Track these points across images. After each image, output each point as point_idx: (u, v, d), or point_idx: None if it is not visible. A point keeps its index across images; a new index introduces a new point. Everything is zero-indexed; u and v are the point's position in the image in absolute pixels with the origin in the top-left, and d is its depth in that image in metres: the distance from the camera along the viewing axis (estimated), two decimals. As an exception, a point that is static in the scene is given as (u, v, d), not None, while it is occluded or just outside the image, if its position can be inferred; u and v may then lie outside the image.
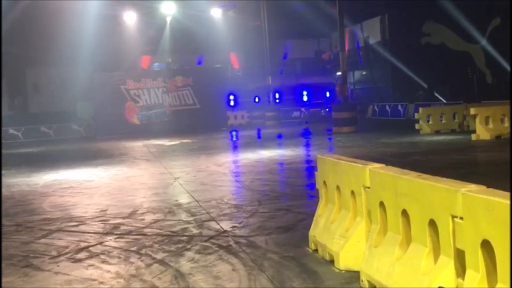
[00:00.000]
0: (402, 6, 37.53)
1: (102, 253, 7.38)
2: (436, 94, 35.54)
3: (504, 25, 28.89)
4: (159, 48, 43.85)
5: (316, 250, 6.75)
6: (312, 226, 7.06)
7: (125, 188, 13.42)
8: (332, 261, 6.19)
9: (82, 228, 9.06)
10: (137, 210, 10.28)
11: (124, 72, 39.71)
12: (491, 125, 20.09)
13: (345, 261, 5.95)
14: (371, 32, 42.76)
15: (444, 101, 33.61)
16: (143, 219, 9.43)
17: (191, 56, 44.71)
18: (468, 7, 30.87)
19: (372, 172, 5.55)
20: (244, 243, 7.46)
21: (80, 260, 7.13)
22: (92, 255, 7.32)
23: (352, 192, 6.09)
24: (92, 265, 6.89)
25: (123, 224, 9.15)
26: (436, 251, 4.38)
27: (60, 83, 40.18)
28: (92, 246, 7.81)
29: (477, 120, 20.21)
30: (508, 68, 28.53)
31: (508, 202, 3.47)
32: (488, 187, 3.99)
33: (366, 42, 43.60)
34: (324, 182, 6.96)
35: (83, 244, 7.93)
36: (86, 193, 12.94)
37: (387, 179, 5.18)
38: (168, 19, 42.86)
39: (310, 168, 14.92)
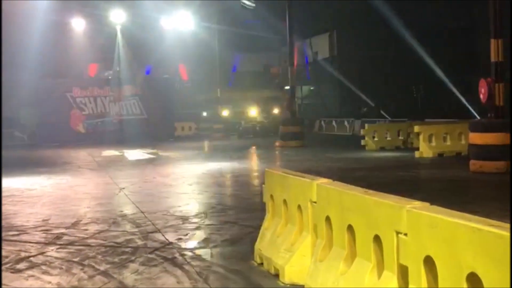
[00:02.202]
0: (350, 23, 38.20)
1: (44, 264, 7.21)
2: (382, 112, 36.22)
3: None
4: (108, 56, 43.31)
5: (261, 264, 6.75)
6: (258, 239, 7.07)
7: (69, 198, 13.18)
8: (277, 275, 6.19)
9: (23, 237, 8.84)
10: (80, 220, 10.10)
11: (71, 80, 39.13)
12: (434, 143, 20.56)
13: (290, 275, 5.97)
14: (319, 48, 43.39)
15: (389, 118, 34.27)
16: (86, 230, 9.26)
17: (139, 65, 44.33)
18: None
19: (320, 187, 5.59)
20: (190, 255, 7.41)
21: (20, 271, 6.94)
22: (33, 266, 7.14)
23: (299, 207, 6.12)
24: (32, 275, 6.72)
25: (65, 234, 8.96)
26: (380, 267, 4.44)
27: (5, 88, 39.20)
28: (33, 256, 7.62)
29: (421, 137, 20.66)
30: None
31: (451, 219, 3.55)
32: (431, 204, 4.08)
33: (314, 58, 44.16)
34: (271, 196, 6.98)
35: (23, 254, 7.73)
36: (28, 202, 12.64)
37: (334, 194, 5.24)
38: (118, 28, 42.42)
39: (258, 181, 14.95)
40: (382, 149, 24.28)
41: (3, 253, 7.80)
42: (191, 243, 8.13)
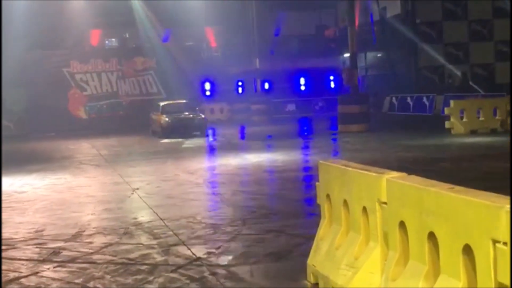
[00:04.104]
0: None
1: (37, 287, 7.33)
2: (472, 84, 35.73)
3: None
4: (113, 19, 43.62)
5: (316, 284, 6.75)
6: (312, 253, 7.06)
7: (68, 202, 13.35)
8: (337, 299, 6.20)
9: (11, 253, 8.99)
10: (83, 231, 10.23)
11: (68, 51, 39.62)
12: (542, 124, 20.24)
13: (354, 299, 5.97)
14: (388, 2, 42.91)
15: (483, 92, 33.79)
16: (91, 243, 9.38)
17: (155, 30, 44.56)
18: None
19: (391, 183, 5.55)
20: (223, 274, 7.44)
21: (8, 296, 7.09)
22: (24, 289, 7.28)
23: (364, 209, 6.09)
24: (24, 302, 6.86)
25: (64, 248, 9.09)
26: (472, 286, 4.39)
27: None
28: (24, 277, 7.76)
29: (525, 117, 20.35)
30: None
31: None
32: (511, 203, 4.02)
33: (382, 15, 43.73)
34: (328, 196, 6.96)
35: (12, 275, 7.87)
36: (17, 208, 12.85)
37: (410, 192, 5.19)
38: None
39: (309, 178, 14.93)
40: (473, 133, 23.98)
41: (-13, 274, 7.97)
42: (225, 259, 8.16)
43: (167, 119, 28.82)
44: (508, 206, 4.02)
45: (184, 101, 32.07)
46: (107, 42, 44.59)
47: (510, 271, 3.92)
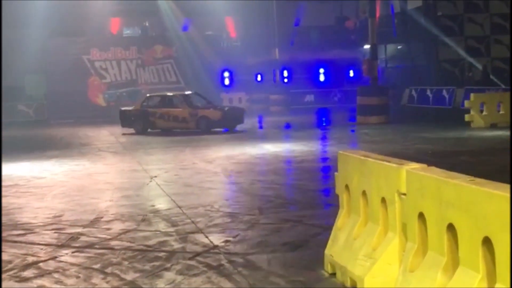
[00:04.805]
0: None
1: (56, 271, 7.37)
2: (492, 77, 35.51)
3: None
4: (133, 8, 43.69)
5: (333, 274, 6.75)
6: (329, 242, 7.06)
7: (86, 188, 13.42)
8: (354, 289, 6.20)
9: (30, 238, 9.06)
10: (101, 217, 10.29)
11: (88, 38, 39.75)
12: None
13: (371, 289, 5.97)
14: (410, -7, 42.71)
15: (503, 86, 33.58)
16: (109, 229, 9.43)
17: (175, 19, 44.61)
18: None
19: (410, 174, 5.54)
20: (240, 262, 7.46)
21: (27, 279, 7.13)
22: (42, 273, 7.31)
23: (383, 200, 6.08)
24: (42, 286, 6.89)
25: (83, 234, 9.15)
26: (491, 279, 4.38)
27: (5, 50, 40.16)
28: (42, 261, 7.81)
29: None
30: None
31: None
32: (510, 198, 4.00)
33: (403, 7, 43.53)
34: (347, 186, 6.96)
35: (31, 259, 7.92)
36: (36, 194, 12.93)
37: (430, 183, 5.17)
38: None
39: (327, 168, 14.93)
40: (493, 126, 23.86)
41: (6, 257, 8.02)
42: (242, 247, 8.18)
43: None
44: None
45: (187, 92, 29.62)
46: (127, 30, 44.66)
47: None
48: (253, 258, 7.65)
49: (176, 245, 8.35)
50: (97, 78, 38.98)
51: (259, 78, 42.65)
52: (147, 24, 44.44)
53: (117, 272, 7.26)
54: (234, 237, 8.69)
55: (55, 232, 9.34)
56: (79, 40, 38.94)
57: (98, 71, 39.08)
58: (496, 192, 4.32)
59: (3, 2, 30.01)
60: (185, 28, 45.26)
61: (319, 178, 14.24)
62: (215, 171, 15.48)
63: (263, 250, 8.00)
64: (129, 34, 43.69)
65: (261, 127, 29.40)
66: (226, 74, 41.59)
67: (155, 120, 26.32)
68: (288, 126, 28.46)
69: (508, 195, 4.19)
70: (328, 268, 6.90)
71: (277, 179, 14.10)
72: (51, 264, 7.67)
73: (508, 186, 4.44)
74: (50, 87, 37.46)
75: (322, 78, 44.56)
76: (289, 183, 14.07)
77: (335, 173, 7.30)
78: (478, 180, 4.74)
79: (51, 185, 13.98)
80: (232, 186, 13.53)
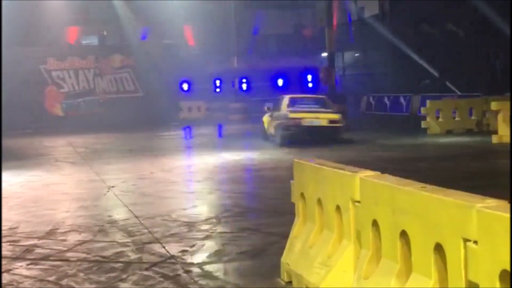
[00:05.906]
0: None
1: (10, 284, 7.28)
2: (449, 84, 35.93)
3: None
4: (91, 17, 43.43)
5: (290, 282, 6.76)
6: (285, 251, 7.06)
7: (43, 200, 13.29)
8: (310, 297, 6.21)
9: (-16, 251, 8.95)
10: (57, 229, 10.19)
11: (45, 48, 39.39)
12: (517, 125, 20.35)
13: (327, 297, 5.97)
14: (366, 2, 43.08)
15: (459, 92, 33.99)
16: (64, 240, 9.34)
17: (133, 28, 44.39)
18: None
19: (364, 182, 5.56)
20: (197, 272, 7.44)
21: (-20, 293, 7.03)
22: (-4, 287, 7.23)
23: (338, 208, 6.10)
24: (-5, 299, 6.81)
25: (38, 246, 9.05)
26: (443, 284, 4.41)
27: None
28: (-4, 274, 7.72)
29: (500, 117, 20.45)
30: None
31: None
32: (510, 202, 4.02)
33: (360, 15, 43.90)
34: (302, 194, 6.97)
35: (-16, 272, 7.83)
36: (-9, 205, 12.77)
37: (383, 191, 5.20)
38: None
39: (286, 177, 14.93)
40: (449, 132, 24.12)
41: (-41, 271, 7.91)
42: (199, 257, 8.16)
43: None
44: (480, 205, 4.03)
45: None
46: (85, 39, 44.41)
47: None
48: (209, 267, 7.64)
49: (133, 256, 8.31)
50: (54, 88, 38.62)
51: (218, 85, 42.60)
52: (105, 33, 44.20)
53: (72, 284, 7.19)
54: (191, 246, 8.67)
55: (9, 245, 9.22)
56: (36, 50, 38.57)
57: (55, 81, 38.70)
58: (447, 198, 4.35)
59: None
60: (143, 37, 45.11)
61: (278, 186, 14.23)
62: (173, 180, 15.44)
63: (220, 259, 7.99)
64: (87, 43, 43.45)
65: (220, 136, 29.34)
66: (185, 85, 41.44)
67: None
68: (248, 134, 28.44)
69: (459, 201, 4.22)
70: (285, 277, 6.90)
71: (236, 187, 14.11)
72: (6, 277, 7.57)
73: (459, 192, 4.48)
74: (6, 98, 37.02)
75: (281, 84, 44.64)
76: (248, 191, 14.09)
77: (291, 181, 7.31)
78: (429, 187, 4.78)
79: (7, 196, 13.79)
80: (191, 195, 13.50)
